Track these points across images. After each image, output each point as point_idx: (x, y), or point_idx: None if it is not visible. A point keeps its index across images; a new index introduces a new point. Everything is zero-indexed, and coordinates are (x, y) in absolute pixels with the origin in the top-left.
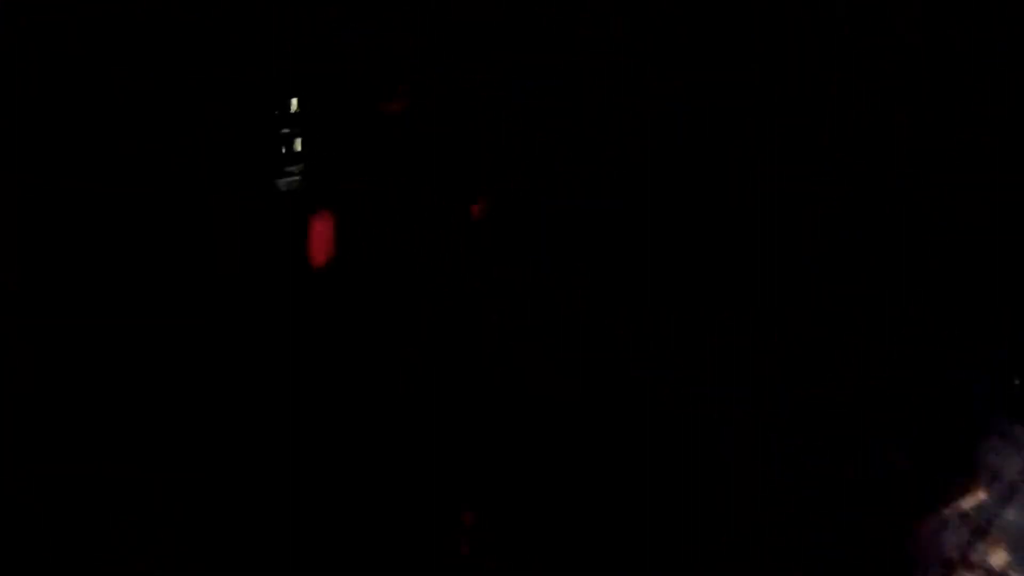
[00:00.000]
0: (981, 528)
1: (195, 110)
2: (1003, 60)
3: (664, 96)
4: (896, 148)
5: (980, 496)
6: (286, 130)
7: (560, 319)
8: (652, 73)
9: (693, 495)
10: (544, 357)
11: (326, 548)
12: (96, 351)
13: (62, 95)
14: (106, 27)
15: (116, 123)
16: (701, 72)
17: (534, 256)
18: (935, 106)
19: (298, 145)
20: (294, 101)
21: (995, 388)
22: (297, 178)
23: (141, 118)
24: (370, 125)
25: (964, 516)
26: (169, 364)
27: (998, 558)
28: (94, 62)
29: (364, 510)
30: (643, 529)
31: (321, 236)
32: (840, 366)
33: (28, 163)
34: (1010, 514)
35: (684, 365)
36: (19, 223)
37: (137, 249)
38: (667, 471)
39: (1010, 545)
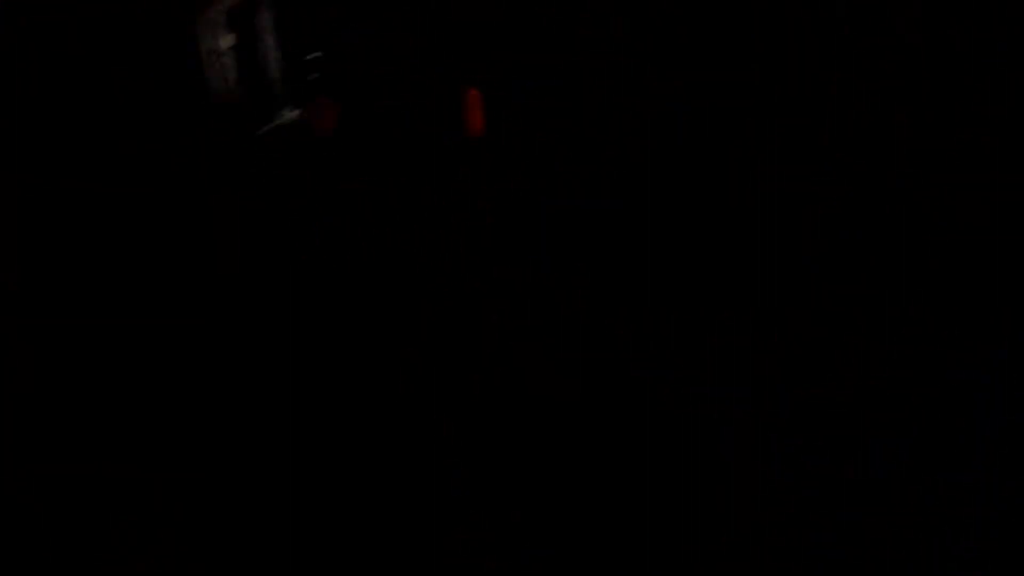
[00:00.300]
0: None
1: (195, 110)
2: (1003, 60)
3: (664, 96)
4: (896, 148)
5: None
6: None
7: (560, 319)
8: (652, 73)
9: (693, 495)
10: (544, 357)
11: (326, 548)
12: (96, 351)
13: (62, 95)
14: (106, 27)
15: (116, 123)
16: (701, 72)
17: (534, 256)
18: (935, 106)
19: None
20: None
21: (995, 388)
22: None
23: (141, 118)
24: (369, 124)
25: None
26: (169, 364)
27: None
28: (94, 62)
29: (364, 510)
30: (643, 529)
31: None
32: (840, 366)
33: (28, 163)
34: None
35: (684, 365)
36: (19, 223)
37: (137, 249)
38: (667, 471)
39: None
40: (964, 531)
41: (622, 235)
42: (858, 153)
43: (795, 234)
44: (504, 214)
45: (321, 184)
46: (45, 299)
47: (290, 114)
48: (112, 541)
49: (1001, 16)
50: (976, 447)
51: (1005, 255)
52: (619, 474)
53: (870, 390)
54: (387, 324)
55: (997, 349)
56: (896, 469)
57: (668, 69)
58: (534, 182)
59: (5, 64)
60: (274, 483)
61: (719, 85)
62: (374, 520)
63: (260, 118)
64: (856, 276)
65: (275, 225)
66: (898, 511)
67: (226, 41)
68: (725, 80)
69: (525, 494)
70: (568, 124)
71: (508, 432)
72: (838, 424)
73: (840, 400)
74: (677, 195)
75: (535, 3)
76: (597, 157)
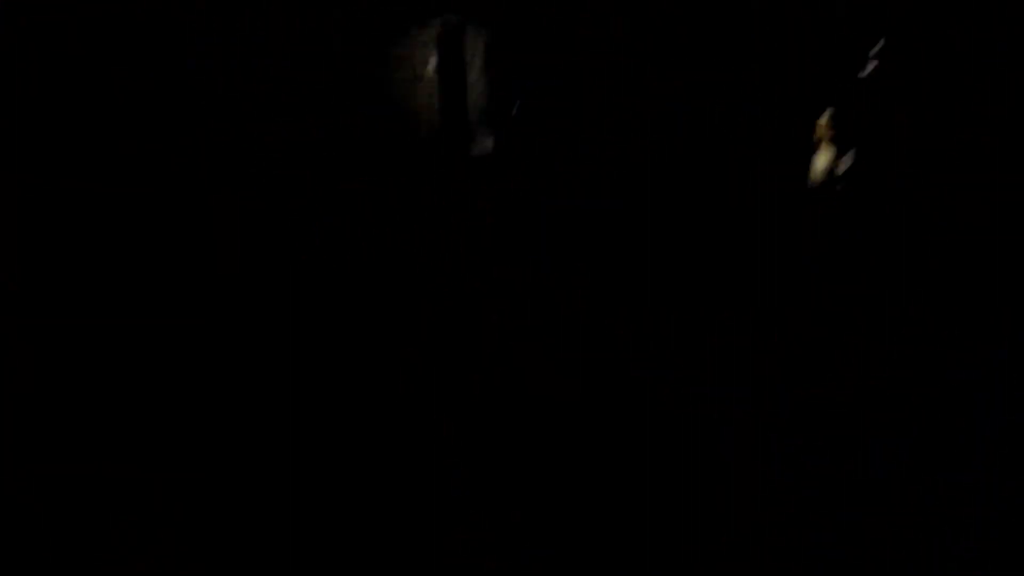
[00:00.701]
0: None
1: (195, 110)
2: (1003, 60)
3: (664, 96)
4: (896, 148)
5: None
6: None
7: (560, 319)
8: (652, 73)
9: (693, 495)
10: (544, 357)
11: (326, 548)
12: (95, 351)
13: (62, 95)
14: (106, 27)
15: (116, 123)
16: (701, 72)
17: (534, 256)
18: (935, 106)
19: None
20: None
21: (995, 388)
22: None
23: (141, 118)
24: (370, 125)
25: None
26: (169, 364)
27: None
28: (94, 62)
29: (364, 510)
30: (643, 529)
31: None
32: (840, 366)
33: (28, 163)
34: None
35: (684, 365)
36: (19, 223)
37: (137, 249)
38: (667, 471)
39: None
40: (964, 531)
41: (622, 235)
42: (858, 153)
43: (795, 234)
44: (504, 214)
45: (321, 184)
46: (45, 299)
47: (489, 143)
48: (112, 541)
49: (1001, 16)
50: (976, 447)
51: (1005, 255)
52: (619, 474)
53: (870, 390)
54: (387, 324)
55: (997, 349)
56: (896, 469)
57: (668, 69)
58: (534, 182)
59: (5, 64)
60: (274, 483)
61: (719, 85)
62: (374, 520)
63: (460, 145)
64: (856, 276)
65: (275, 225)
66: (898, 511)
67: (432, 64)
68: (725, 80)
69: (525, 494)
70: (568, 124)
71: (508, 432)
72: (838, 424)
73: (840, 400)
74: (677, 195)
75: (536, 3)
76: (597, 157)
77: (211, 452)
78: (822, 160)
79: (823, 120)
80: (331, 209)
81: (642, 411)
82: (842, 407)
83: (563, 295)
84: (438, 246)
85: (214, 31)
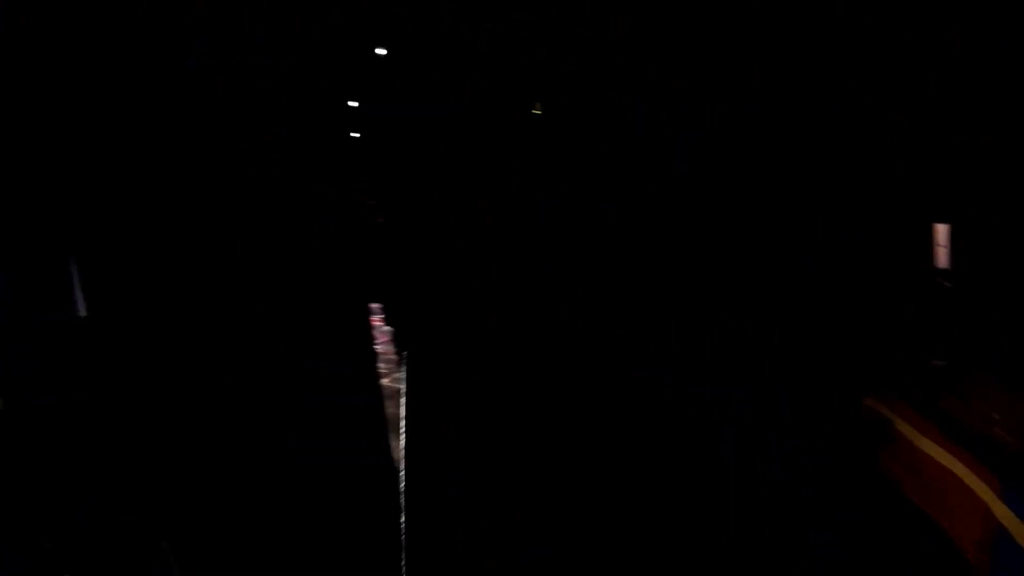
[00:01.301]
0: None
1: (195, 110)
2: (1003, 60)
3: (664, 96)
4: (896, 148)
5: None
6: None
7: (560, 319)
8: (652, 73)
9: (693, 495)
10: (544, 357)
11: (326, 547)
12: (95, 351)
13: (62, 95)
14: (106, 27)
15: (116, 123)
16: (701, 72)
17: (534, 256)
18: (935, 106)
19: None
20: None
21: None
22: None
23: (141, 118)
24: (369, 126)
25: None
26: (169, 363)
27: None
28: (94, 62)
29: (364, 509)
30: (643, 529)
31: None
32: (840, 366)
33: (28, 163)
34: None
35: (684, 365)
36: (19, 223)
37: (137, 249)
38: (667, 471)
39: None
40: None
41: (622, 235)
42: (858, 154)
43: (795, 234)
44: (504, 214)
45: (321, 184)
46: (45, 299)
47: None
48: (112, 541)
49: (1001, 16)
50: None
51: (1005, 255)
52: (619, 474)
53: (870, 389)
54: (387, 324)
55: (997, 349)
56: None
57: (668, 69)
58: (534, 182)
59: (5, 64)
60: (274, 482)
61: (719, 85)
62: (374, 519)
63: None
64: (856, 276)
65: (275, 225)
66: (897, 511)
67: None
68: (725, 80)
69: (525, 494)
70: (568, 124)
71: (508, 432)
72: (838, 424)
73: (840, 400)
74: (677, 196)
75: (536, 4)
76: (597, 157)
77: (211, 452)
78: None
79: None
80: (331, 209)
81: (642, 411)
82: (842, 407)
83: (563, 295)
84: (438, 246)
85: (214, 31)
